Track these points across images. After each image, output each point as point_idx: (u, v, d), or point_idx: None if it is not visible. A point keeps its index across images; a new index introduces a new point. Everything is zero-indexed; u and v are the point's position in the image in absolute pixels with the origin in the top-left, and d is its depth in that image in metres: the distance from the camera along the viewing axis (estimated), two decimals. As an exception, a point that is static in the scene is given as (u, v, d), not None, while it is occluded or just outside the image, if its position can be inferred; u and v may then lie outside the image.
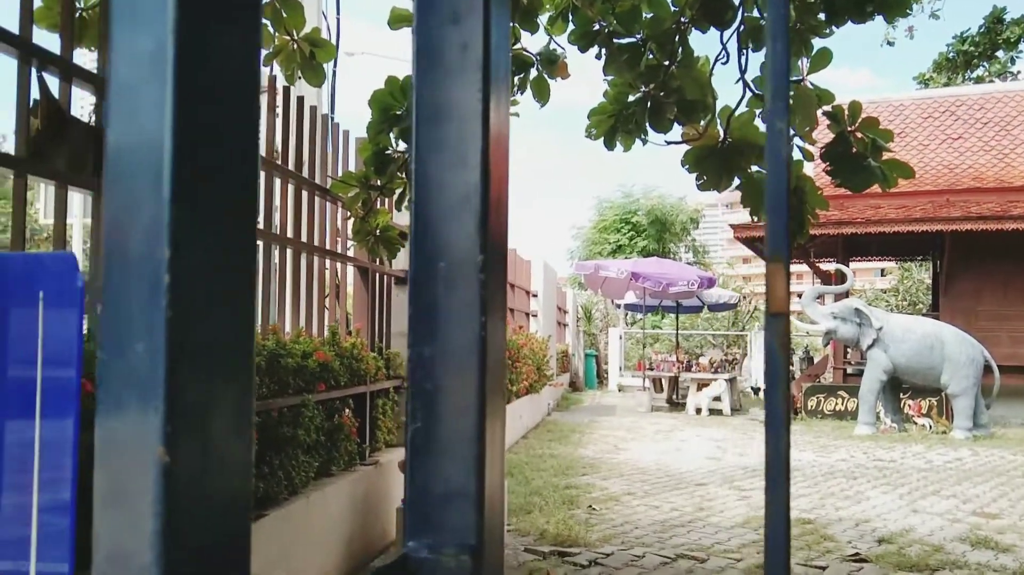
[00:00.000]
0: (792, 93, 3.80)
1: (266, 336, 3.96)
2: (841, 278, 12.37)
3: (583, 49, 3.93)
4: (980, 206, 12.99)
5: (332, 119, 5.34)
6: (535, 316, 14.23)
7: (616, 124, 4.15)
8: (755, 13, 3.78)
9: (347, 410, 4.57)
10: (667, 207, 28.56)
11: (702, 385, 14.18)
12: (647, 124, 4.08)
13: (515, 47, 4.08)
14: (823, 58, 3.47)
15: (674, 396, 15.32)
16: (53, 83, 2.59)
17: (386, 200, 4.40)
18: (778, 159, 0.49)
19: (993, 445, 10.25)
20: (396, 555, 0.54)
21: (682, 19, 3.80)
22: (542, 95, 4.19)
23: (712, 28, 3.75)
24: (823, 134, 3.88)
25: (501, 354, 0.57)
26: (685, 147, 4.04)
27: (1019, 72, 23.15)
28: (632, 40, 3.88)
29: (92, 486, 0.32)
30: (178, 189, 0.31)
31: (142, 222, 0.31)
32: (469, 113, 0.55)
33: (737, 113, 3.77)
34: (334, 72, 6.83)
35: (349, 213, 4.14)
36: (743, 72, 3.76)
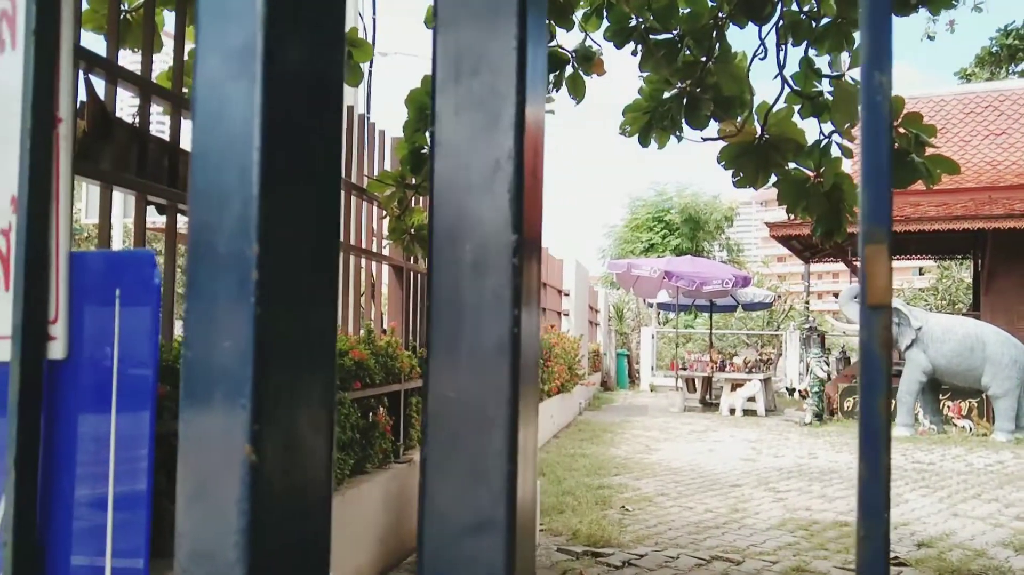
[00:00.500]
0: (831, 89, 3.74)
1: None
2: (879, 277, 12.14)
3: (619, 45, 3.90)
4: None
5: (368, 119, 5.38)
6: (567, 315, 14.20)
7: (651, 121, 4.12)
8: (795, 7, 3.73)
9: (382, 408, 4.60)
10: (700, 205, 28.28)
11: (736, 385, 14.03)
12: (683, 121, 4.04)
13: (551, 44, 4.06)
14: (865, 53, 3.41)
15: (707, 396, 15.18)
16: (99, 85, 2.64)
17: (421, 199, 4.41)
18: (878, 116, 0.42)
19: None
20: None
21: (720, 14, 3.75)
22: (578, 92, 4.17)
23: (750, 23, 3.70)
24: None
25: (536, 354, 0.48)
26: (721, 144, 3.99)
27: (1064, 66, 22.55)
28: (668, 36, 3.84)
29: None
30: (266, 186, 0.31)
31: (229, 219, 0.31)
32: (502, 64, 0.45)
33: (775, 109, 3.72)
34: (370, 72, 6.87)
35: (385, 212, 4.17)
36: (781, 68, 3.71)
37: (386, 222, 4.20)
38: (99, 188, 2.72)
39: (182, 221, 3.33)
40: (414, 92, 3.54)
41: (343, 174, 4.62)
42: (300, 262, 0.33)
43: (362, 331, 4.78)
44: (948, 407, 11.69)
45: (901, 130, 3.42)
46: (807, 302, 16.30)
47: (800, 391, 14.83)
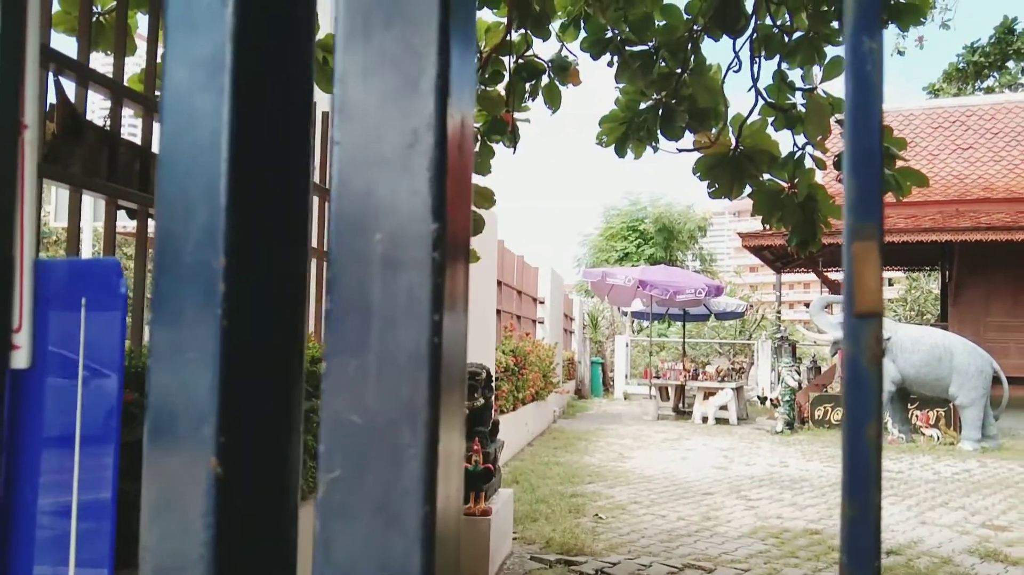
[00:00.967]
0: (804, 102, 3.80)
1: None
2: (849, 287, 12.31)
3: (595, 56, 3.93)
4: (990, 216, 12.94)
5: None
6: (542, 323, 14.22)
7: (627, 131, 4.15)
8: (768, 21, 3.78)
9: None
10: (674, 215, 28.53)
11: (708, 394, 14.13)
12: (659, 132, 4.08)
13: (527, 54, 4.08)
14: (837, 66, 3.47)
15: (680, 405, 15.27)
16: (69, 87, 2.60)
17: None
18: (867, 89, 0.37)
19: (1002, 457, 10.18)
20: None
21: (695, 27, 3.80)
22: (553, 102, 4.19)
23: (724, 36, 3.74)
24: (834, 143, 3.87)
25: (462, 369, 0.41)
26: (696, 155, 4.03)
27: (1029, 83, 23.08)
28: (644, 48, 3.88)
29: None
30: (234, 196, 0.31)
31: (196, 229, 0.31)
32: (420, 15, 0.38)
33: (749, 121, 3.77)
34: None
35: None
36: (755, 80, 3.76)
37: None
38: (68, 192, 2.68)
39: (153, 226, 3.29)
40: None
41: (314, 178, 4.59)
42: (268, 272, 0.32)
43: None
44: (916, 416, 11.87)
45: (871, 143, 3.48)
46: (779, 312, 16.46)
47: (772, 400, 14.97)
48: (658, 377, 15.57)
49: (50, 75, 2.47)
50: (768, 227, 4.52)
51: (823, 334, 12.00)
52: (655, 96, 4.00)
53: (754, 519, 6.21)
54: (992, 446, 10.88)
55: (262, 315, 0.32)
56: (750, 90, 3.79)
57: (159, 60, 3.34)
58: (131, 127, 3.37)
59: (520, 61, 4.14)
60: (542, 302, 14.23)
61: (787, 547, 5.35)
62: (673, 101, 3.99)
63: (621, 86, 4.05)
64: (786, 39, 3.76)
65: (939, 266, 16.14)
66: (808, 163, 3.89)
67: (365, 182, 0.38)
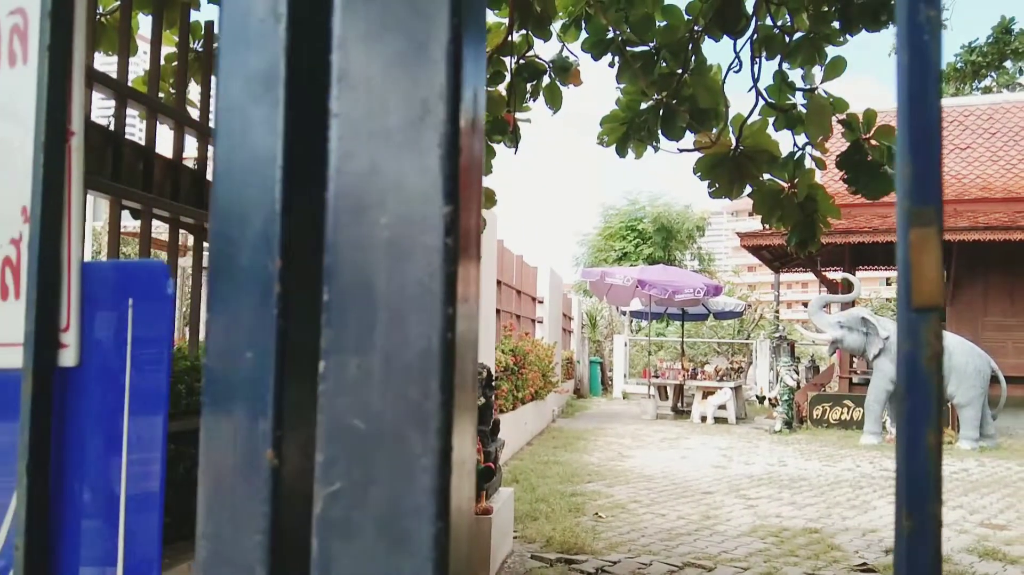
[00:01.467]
0: (805, 102, 3.82)
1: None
2: (848, 287, 12.35)
3: (596, 57, 3.94)
4: (988, 216, 12.97)
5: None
6: (541, 322, 14.24)
7: (628, 132, 4.17)
8: (768, 21, 3.80)
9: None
10: (673, 215, 28.56)
11: (707, 393, 14.16)
12: (659, 132, 4.09)
13: (528, 54, 4.10)
14: (837, 66, 3.48)
15: (679, 404, 15.29)
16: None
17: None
18: (924, 62, 0.33)
19: (999, 456, 10.22)
20: None
21: (695, 28, 3.81)
22: (555, 102, 4.21)
23: (725, 37, 3.76)
24: (833, 144, 3.89)
25: (473, 368, 0.37)
26: (696, 155, 4.05)
27: (1027, 82, 23.13)
28: (645, 48, 3.89)
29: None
30: (288, 203, 0.32)
31: (252, 235, 0.32)
32: None
33: (750, 121, 3.78)
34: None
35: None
36: (756, 80, 3.78)
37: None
38: (109, 201, 2.71)
39: (156, 226, 3.30)
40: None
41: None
42: (318, 274, 0.34)
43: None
44: (914, 415, 11.89)
45: (874, 142, 3.50)
46: (777, 311, 16.49)
47: (770, 399, 15.00)
48: (657, 376, 15.60)
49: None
50: (768, 227, 4.54)
51: (822, 334, 12.02)
52: (656, 96, 4.02)
53: (753, 518, 6.23)
54: (990, 445, 10.91)
55: (313, 315, 0.34)
56: (750, 90, 3.80)
57: (163, 61, 3.36)
58: (135, 128, 3.39)
59: (521, 61, 4.15)
60: (541, 302, 14.25)
61: (786, 546, 5.37)
62: (674, 101, 4.00)
63: (622, 86, 4.06)
64: (787, 39, 3.77)
65: (937, 266, 16.15)
66: (808, 163, 3.91)
67: (368, 159, 0.34)
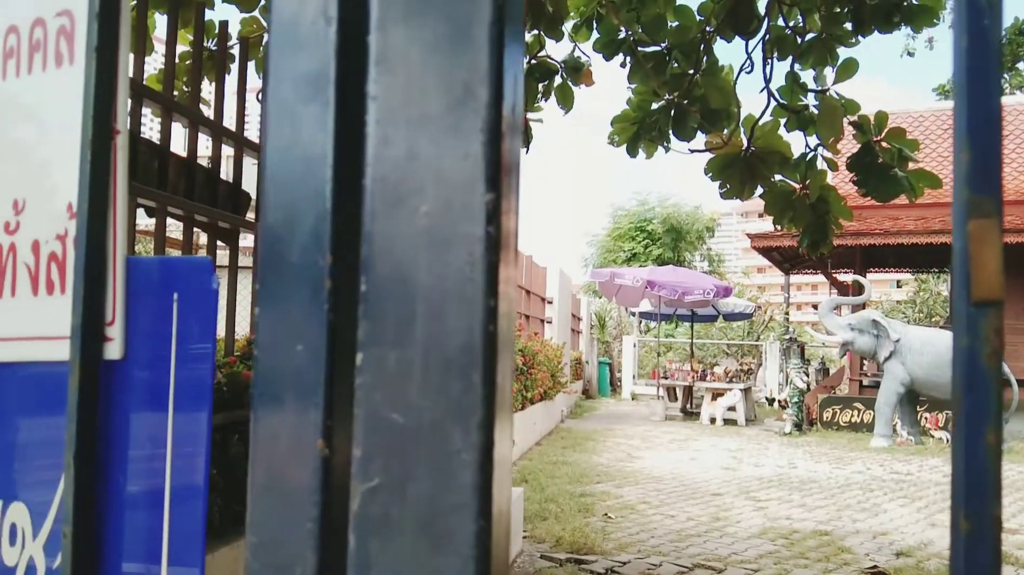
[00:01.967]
0: (817, 103, 3.81)
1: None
2: (858, 289, 12.30)
3: (608, 57, 3.94)
4: (1000, 218, 12.90)
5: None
6: (550, 323, 14.24)
7: (639, 132, 4.17)
8: (780, 22, 3.79)
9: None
10: (682, 215, 28.51)
11: (717, 395, 14.12)
12: (670, 132, 4.09)
13: (540, 54, 4.11)
14: (850, 68, 3.48)
15: (688, 405, 15.27)
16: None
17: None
18: (985, 46, 0.31)
19: (1011, 460, 10.16)
20: None
21: (707, 28, 3.81)
22: (566, 102, 4.21)
23: (737, 37, 3.76)
24: (845, 145, 3.88)
25: (511, 363, 0.35)
26: (707, 156, 4.05)
27: (1040, 84, 22.99)
28: (657, 48, 3.89)
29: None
30: (338, 201, 0.33)
31: (302, 232, 0.33)
32: None
33: (761, 122, 3.78)
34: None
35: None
36: (768, 81, 3.77)
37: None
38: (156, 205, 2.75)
39: (171, 224, 3.33)
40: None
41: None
42: (357, 265, 0.34)
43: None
44: (926, 418, 11.85)
45: (885, 144, 3.49)
46: (787, 313, 16.45)
47: (780, 401, 14.96)
48: (666, 378, 15.58)
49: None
50: (779, 228, 4.53)
51: (832, 336, 11.98)
52: (667, 96, 4.02)
53: (763, 520, 6.22)
54: (1002, 449, 10.85)
55: (354, 307, 0.34)
56: (762, 91, 3.80)
57: (177, 60, 3.38)
58: (146, 126, 3.41)
59: (533, 61, 4.16)
60: (550, 302, 14.25)
61: (797, 548, 5.36)
62: (685, 102, 4.00)
63: (633, 86, 4.07)
64: (799, 40, 3.77)
65: (949, 268, 16.10)
66: (820, 164, 3.90)
67: (407, 144, 0.33)
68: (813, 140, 3.84)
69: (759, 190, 3.98)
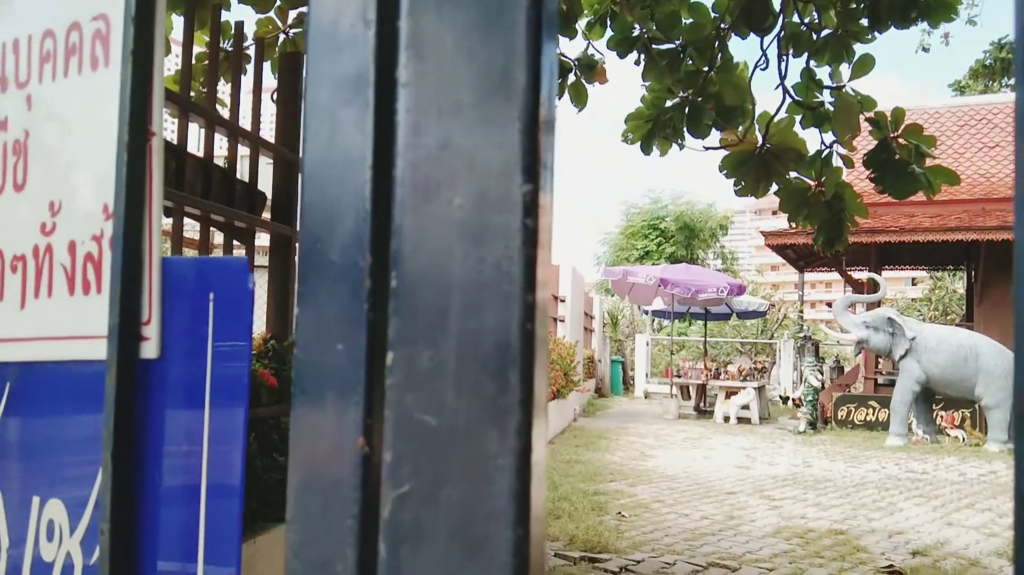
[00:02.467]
0: (832, 100, 3.79)
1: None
2: (873, 287, 12.22)
3: (622, 55, 3.94)
4: (1017, 215, 12.78)
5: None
6: (562, 321, 14.23)
7: (653, 129, 4.16)
8: (796, 18, 3.77)
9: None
10: (695, 213, 28.40)
11: (730, 393, 14.07)
12: (685, 129, 4.08)
13: (554, 53, 4.10)
14: (865, 64, 3.46)
15: (702, 404, 15.22)
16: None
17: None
18: None
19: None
20: None
21: (722, 25, 3.80)
22: (580, 100, 4.21)
23: (752, 34, 3.74)
24: (860, 142, 3.86)
25: (546, 361, 0.34)
26: (722, 153, 4.04)
27: (1058, 79, 22.72)
28: (671, 46, 3.88)
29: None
30: (377, 203, 0.34)
31: (342, 232, 0.34)
32: None
33: (776, 119, 3.76)
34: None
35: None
36: (783, 78, 3.76)
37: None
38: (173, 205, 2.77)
39: (188, 224, 3.35)
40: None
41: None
42: (388, 260, 0.35)
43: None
44: (941, 417, 11.76)
45: (901, 141, 3.47)
46: (801, 311, 16.36)
47: (794, 400, 14.89)
48: (679, 376, 15.54)
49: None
50: (794, 225, 4.51)
51: (847, 334, 11.91)
52: (682, 94, 4.01)
53: (778, 519, 6.19)
54: (1019, 447, 10.75)
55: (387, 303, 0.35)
56: (777, 88, 3.79)
57: (194, 61, 3.40)
58: (168, 127, 3.44)
59: (547, 60, 4.16)
60: (563, 300, 14.25)
61: (812, 547, 5.33)
62: (700, 99, 3.99)
63: (647, 84, 4.06)
64: (814, 36, 3.75)
65: (964, 265, 15.97)
66: (836, 161, 3.88)
67: (439, 133, 0.31)
68: (829, 137, 3.83)
69: (774, 187, 3.97)
